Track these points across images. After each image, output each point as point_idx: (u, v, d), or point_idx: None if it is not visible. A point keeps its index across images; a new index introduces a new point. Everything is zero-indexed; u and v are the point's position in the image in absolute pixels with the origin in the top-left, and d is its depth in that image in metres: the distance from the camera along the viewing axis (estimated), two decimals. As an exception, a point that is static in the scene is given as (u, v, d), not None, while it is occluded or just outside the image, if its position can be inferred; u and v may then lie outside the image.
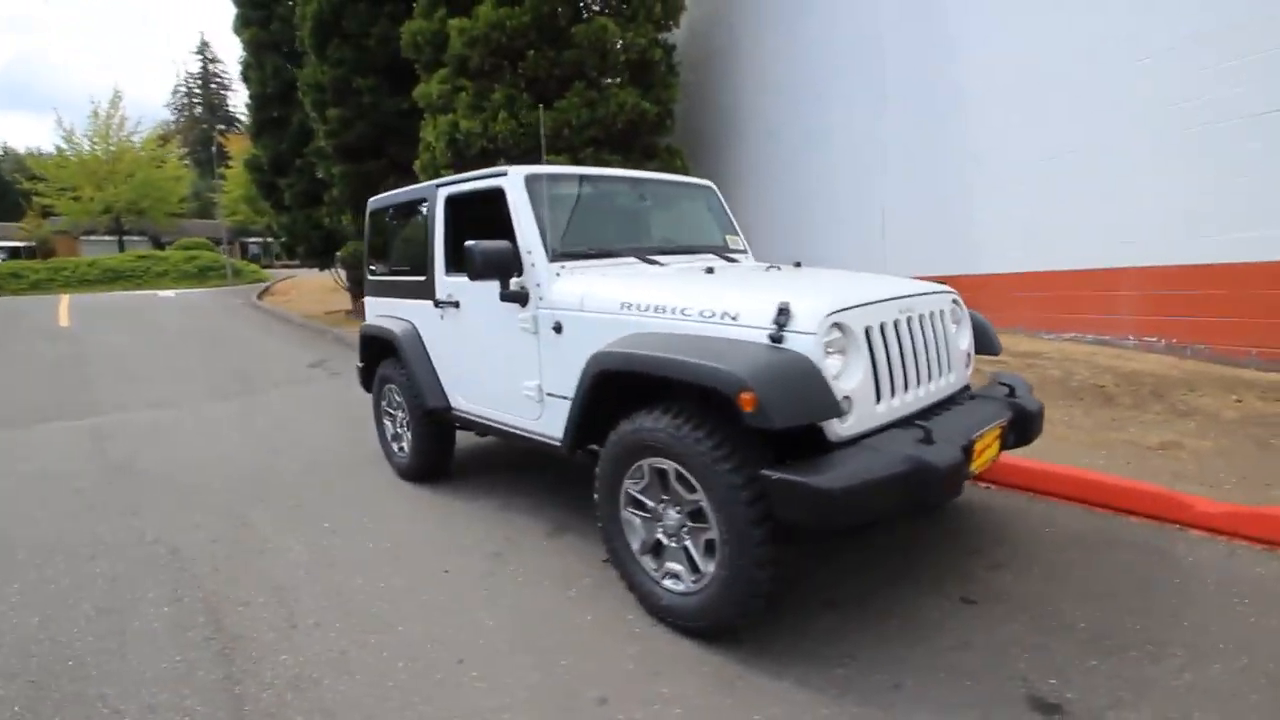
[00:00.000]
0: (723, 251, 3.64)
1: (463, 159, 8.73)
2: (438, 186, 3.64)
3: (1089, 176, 6.05)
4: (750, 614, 2.26)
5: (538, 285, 2.99)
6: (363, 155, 11.26)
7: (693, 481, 2.26)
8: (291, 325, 13.76)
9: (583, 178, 3.51)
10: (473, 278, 2.94)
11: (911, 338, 2.53)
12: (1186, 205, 5.39)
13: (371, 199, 4.49)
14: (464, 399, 3.65)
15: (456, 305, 3.53)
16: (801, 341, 2.18)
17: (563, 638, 2.45)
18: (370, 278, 4.47)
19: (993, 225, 6.92)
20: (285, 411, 6.50)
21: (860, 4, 8.19)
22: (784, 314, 2.21)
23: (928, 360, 2.61)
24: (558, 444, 2.97)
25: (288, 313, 15.19)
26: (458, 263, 3.36)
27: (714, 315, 2.39)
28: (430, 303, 3.69)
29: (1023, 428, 2.77)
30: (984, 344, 3.11)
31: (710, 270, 3.16)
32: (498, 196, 3.18)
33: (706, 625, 2.33)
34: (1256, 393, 4.51)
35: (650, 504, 2.50)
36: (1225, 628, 2.32)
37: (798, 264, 3.52)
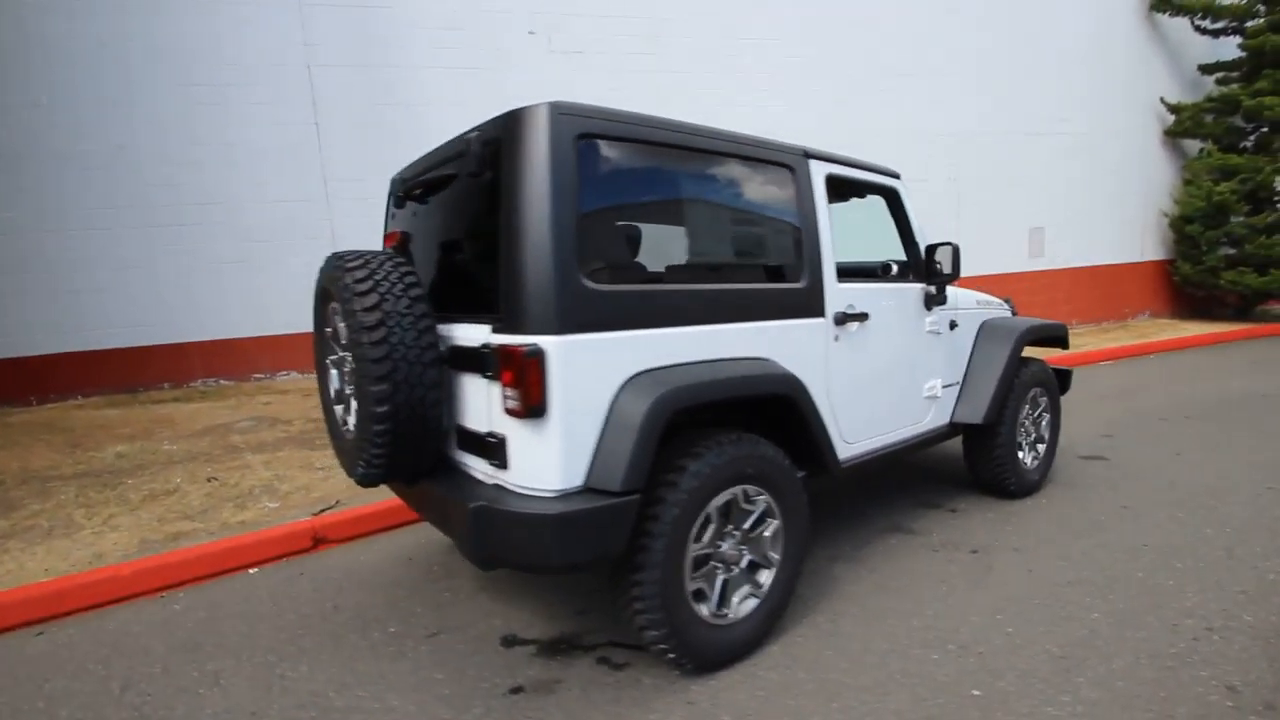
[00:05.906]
0: None
1: None
2: (808, 156, 2.62)
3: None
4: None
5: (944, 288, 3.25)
6: None
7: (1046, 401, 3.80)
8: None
9: None
10: (948, 282, 3.13)
11: None
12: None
13: (541, 108, 1.95)
14: (855, 442, 2.79)
15: (863, 319, 2.76)
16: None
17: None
18: (598, 288, 1.98)
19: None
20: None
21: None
22: (1009, 301, 3.95)
23: None
24: (942, 430, 3.35)
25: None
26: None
27: (999, 305, 3.85)
28: (814, 321, 2.57)
29: None
30: None
31: None
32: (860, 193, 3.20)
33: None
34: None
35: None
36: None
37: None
